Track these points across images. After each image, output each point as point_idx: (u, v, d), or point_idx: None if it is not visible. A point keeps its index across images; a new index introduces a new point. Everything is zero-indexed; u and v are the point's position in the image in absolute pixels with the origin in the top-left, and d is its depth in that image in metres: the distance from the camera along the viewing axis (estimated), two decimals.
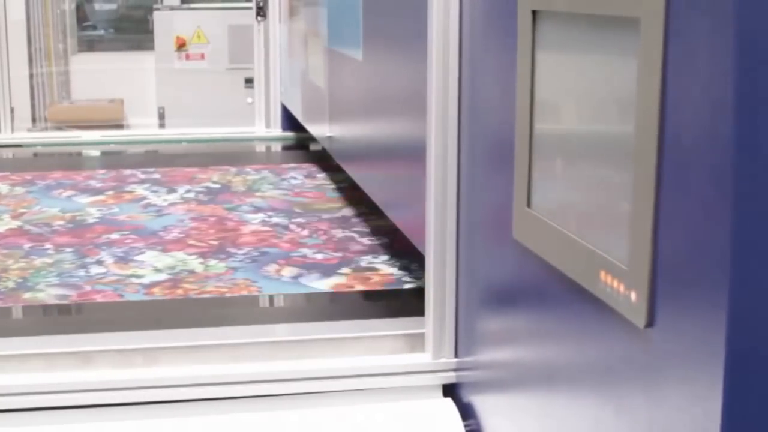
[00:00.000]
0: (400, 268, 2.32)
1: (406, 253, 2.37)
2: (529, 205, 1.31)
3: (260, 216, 2.88)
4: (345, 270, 2.32)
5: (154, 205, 3.02)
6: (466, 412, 1.68)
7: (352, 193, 3.06)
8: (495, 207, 1.49)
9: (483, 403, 1.63)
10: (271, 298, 2.15)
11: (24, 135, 4.70)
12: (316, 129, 3.36)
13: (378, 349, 1.80)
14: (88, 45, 6.90)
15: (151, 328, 1.90)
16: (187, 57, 6.06)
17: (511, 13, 1.35)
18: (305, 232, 2.69)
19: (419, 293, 1.80)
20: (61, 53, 6.51)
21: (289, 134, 4.36)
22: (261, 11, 4.45)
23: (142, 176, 3.49)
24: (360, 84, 2.51)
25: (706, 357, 0.88)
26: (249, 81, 4.86)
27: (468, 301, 1.68)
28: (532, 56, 1.28)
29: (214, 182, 3.39)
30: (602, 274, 1.08)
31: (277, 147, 4.33)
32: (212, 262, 2.40)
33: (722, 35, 0.85)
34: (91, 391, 1.68)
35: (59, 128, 5.81)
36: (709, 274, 0.87)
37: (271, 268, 2.34)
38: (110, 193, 3.22)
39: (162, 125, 6.02)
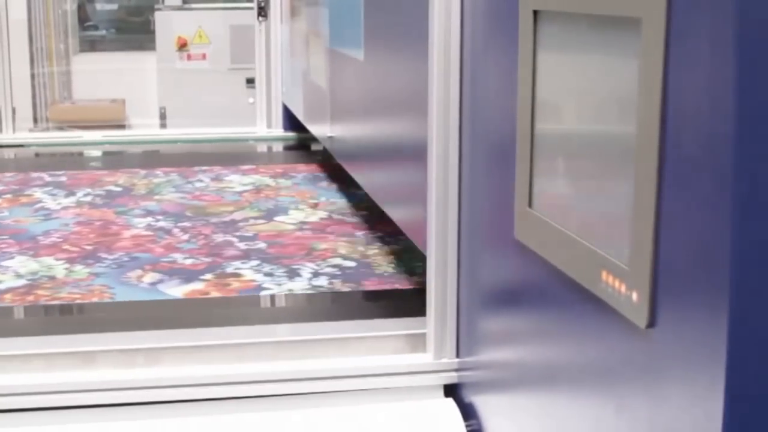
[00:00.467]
0: (266, 275, 2.29)
1: (277, 257, 2.39)
2: (530, 205, 1.31)
3: (147, 220, 2.84)
4: (207, 276, 2.28)
5: (47, 209, 2.97)
6: (468, 413, 1.68)
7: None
8: (496, 207, 1.49)
9: (484, 404, 1.63)
10: (272, 298, 2.15)
11: (26, 135, 4.71)
12: (317, 129, 3.36)
13: (380, 349, 1.80)
14: (90, 45, 6.90)
15: (153, 328, 1.90)
16: (189, 57, 6.07)
17: (512, 13, 1.35)
18: (185, 237, 2.65)
19: (421, 293, 1.80)
20: (62, 53, 6.51)
21: (291, 134, 4.37)
22: (262, 11, 4.45)
23: (48, 179, 3.43)
24: (361, 84, 2.51)
25: (707, 357, 0.88)
26: (250, 81, 4.86)
27: (469, 301, 1.68)
28: (534, 56, 1.29)
29: (118, 185, 3.34)
30: (603, 274, 1.08)
31: (278, 147, 4.33)
32: (78, 267, 2.36)
33: (723, 35, 0.85)
34: (93, 391, 1.69)
35: (61, 128, 5.82)
36: (711, 275, 0.87)
37: (135, 273, 2.31)
38: (8, 196, 3.17)
39: (163, 125, 6.02)
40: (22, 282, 2.25)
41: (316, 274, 2.29)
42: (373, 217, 2.78)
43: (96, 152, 4.24)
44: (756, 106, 0.83)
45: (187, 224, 2.79)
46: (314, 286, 2.20)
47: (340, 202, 3.07)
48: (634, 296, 1.01)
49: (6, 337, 1.84)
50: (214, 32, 6.04)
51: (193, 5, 6.27)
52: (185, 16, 6.17)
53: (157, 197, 3.15)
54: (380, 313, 2.01)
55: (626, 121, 1.03)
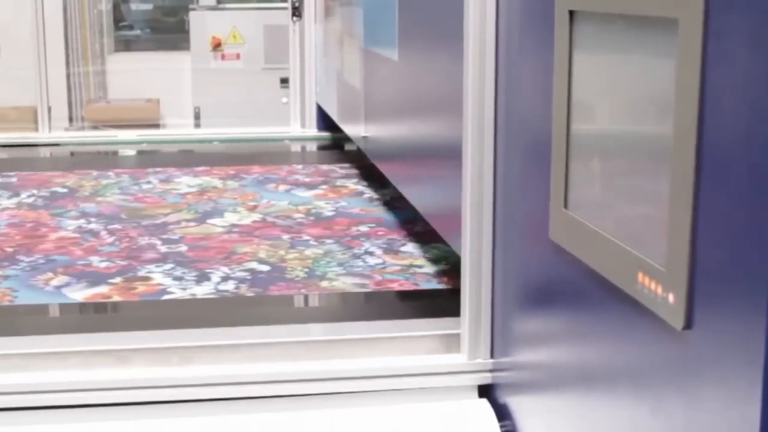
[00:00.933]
0: (175, 278, 2.26)
1: (194, 261, 2.38)
2: (566, 205, 1.31)
3: (79, 222, 2.81)
4: (116, 279, 2.25)
5: None
6: (502, 413, 1.67)
7: None
8: (531, 207, 1.49)
9: (519, 405, 1.62)
10: (306, 297, 2.16)
11: (61, 134, 4.74)
12: (351, 129, 3.37)
13: (413, 349, 1.80)
14: (125, 45, 6.96)
15: (187, 326, 1.91)
16: (223, 57, 6.10)
17: (548, 13, 1.35)
18: (111, 239, 2.62)
19: (455, 294, 1.80)
20: (97, 53, 6.56)
21: (325, 134, 4.37)
22: (296, 11, 4.46)
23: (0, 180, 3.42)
24: (396, 84, 2.51)
25: (744, 360, 0.88)
26: (284, 81, 4.87)
27: (504, 301, 1.67)
28: (569, 56, 1.28)
29: (65, 187, 3.31)
30: (640, 276, 1.07)
31: (312, 147, 4.33)
32: None
33: (761, 35, 0.84)
34: (127, 389, 1.69)
35: (96, 127, 5.86)
36: (748, 276, 0.87)
37: (45, 276, 2.28)
38: None
39: (198, 125, 6.05)
40: None
41: (226, 279, 2.26)
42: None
43: (130, 151, 4.27)
44: None
45: (117, 226, 2.76)
46: (219, 291, 2.17)
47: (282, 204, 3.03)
48: (671, 298, 1.00)
49: (43, 334, 1.86)
50: (248, 32, 6.07)
51: (228, 5, 6.30)
52: (219, 16, 6.20)
53: (99, 199, 3.12)
54: (414, 313, 2.01)
55: (663, 121, 1.02)
